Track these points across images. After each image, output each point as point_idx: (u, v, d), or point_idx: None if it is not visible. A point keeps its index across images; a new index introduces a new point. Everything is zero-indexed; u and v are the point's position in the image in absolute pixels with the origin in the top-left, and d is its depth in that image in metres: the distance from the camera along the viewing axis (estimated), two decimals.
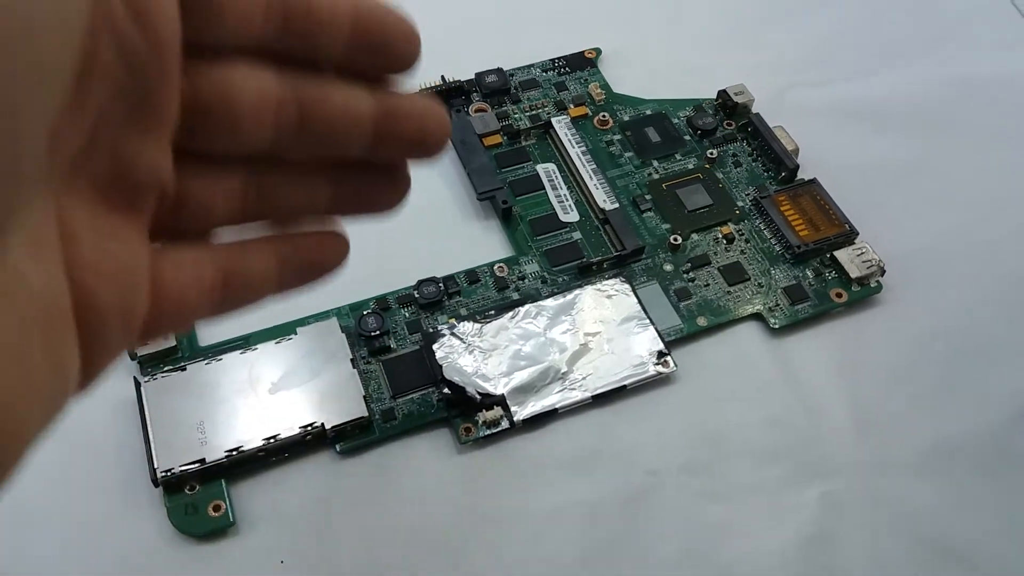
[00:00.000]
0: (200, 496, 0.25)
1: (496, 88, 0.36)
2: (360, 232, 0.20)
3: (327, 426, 0.26)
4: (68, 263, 0.13)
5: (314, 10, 0.16)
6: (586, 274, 0.31)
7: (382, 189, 0.20)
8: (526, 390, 0.27)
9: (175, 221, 0.16)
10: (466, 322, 0.28)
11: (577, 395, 0.27)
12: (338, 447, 0.26)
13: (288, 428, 0.26)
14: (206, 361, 0.27)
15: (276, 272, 0.19)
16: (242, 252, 0.18)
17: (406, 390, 0.27)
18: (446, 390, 0.27)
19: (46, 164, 0.12)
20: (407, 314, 0.29)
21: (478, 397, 0.27)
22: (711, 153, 0.34)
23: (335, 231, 0.20)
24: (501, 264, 0.31)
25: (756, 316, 0.30)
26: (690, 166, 0.34)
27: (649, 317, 0.29)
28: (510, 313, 0.29)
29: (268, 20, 0.16)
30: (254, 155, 0.17)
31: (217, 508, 0.24)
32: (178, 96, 0.15)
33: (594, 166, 0.33)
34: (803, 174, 0.34)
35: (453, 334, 0.28)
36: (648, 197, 0.33)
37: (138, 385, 0.26)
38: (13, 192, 0.11)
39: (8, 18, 0.10)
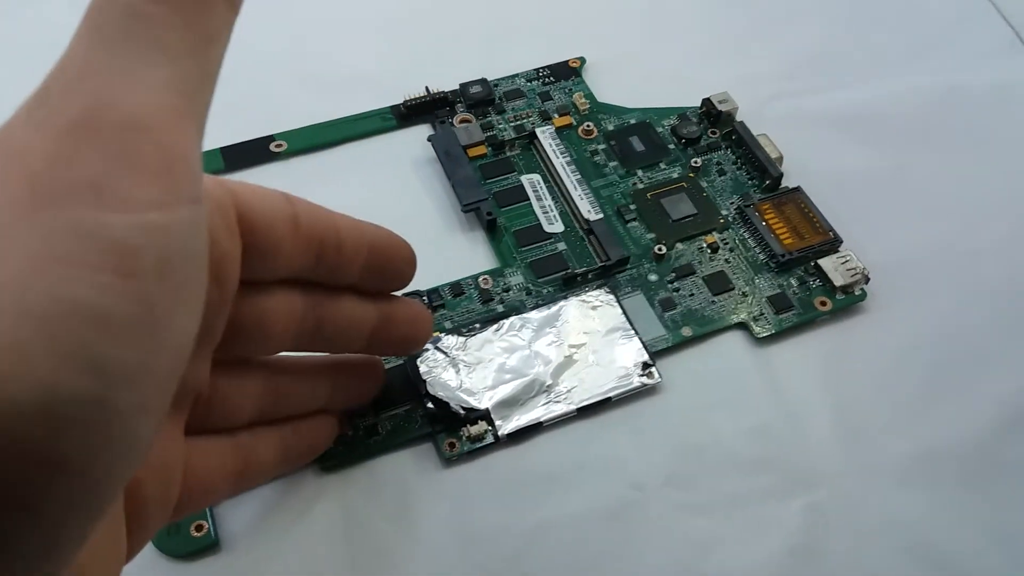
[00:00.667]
0: None
1: (480, 99, 0.36)
2: None
3: None
4: None
5: (343, 248, 0.19)
6: (571, 285, 0.31)
7: (364, 384, 0.25)
8: (511, 404, 0.27)
9: (204, 417, 0.19)
10: (450, 335, 0.28)
11: (562, 408, 0.27)
12: (321, 464, 0.26)
13: None
14: None
15: (281, 457, 0.22)
16: (255, 442, 0.21)
17: (389, 405, 0.27)
18: (430, 405, 0.27)
19: None
20: None
21: (462, 412, 0.26)
22: (695, 162, 0.34)
23: (326, 416, 0.24)
24: (486, 276, 0.31)
25: (741, 325, 0.30)
26: (674, 175, 0.34)
27: (634, 328, 0.29)
28: (495, 326, 0.29)
29: (306, 258, 0.19)
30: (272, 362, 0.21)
31: (199, 528, 0.24)
32: (226, 321, 0.17)
33: (579, 176, 0.33)
34: (787, 182, 0.34)
35: (437, 348, 0.28)
36: (633, 207, 0.33)
37: None
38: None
39: (193, 282, 0.13)
